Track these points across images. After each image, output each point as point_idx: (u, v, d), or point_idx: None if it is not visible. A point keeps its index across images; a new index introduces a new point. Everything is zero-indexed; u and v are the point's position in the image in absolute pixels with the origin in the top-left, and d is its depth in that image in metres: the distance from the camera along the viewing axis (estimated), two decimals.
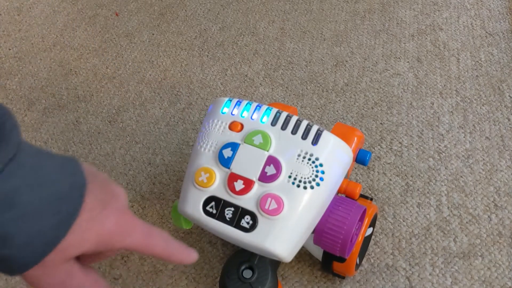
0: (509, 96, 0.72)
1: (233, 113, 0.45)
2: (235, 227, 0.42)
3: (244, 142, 0.44)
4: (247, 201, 0.42)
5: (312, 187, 0.41)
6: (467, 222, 0.59)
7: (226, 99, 0.47)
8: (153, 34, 0.88)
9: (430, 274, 0.54)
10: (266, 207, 0.41)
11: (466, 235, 0.57)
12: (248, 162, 0.43)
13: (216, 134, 0.45)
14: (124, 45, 0.86)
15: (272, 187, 0.42)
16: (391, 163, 0.65)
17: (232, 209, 0.42)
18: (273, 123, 0.44)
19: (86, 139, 0.71)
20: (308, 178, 0.42)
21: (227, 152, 0.44)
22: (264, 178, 0.42)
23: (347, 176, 0.49)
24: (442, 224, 0.58)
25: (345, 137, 0.46)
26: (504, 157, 0.65)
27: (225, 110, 0.46)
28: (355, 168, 0.64)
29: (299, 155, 0.42)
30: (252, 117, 0.45)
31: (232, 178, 0.42)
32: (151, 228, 0.33)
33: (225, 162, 0.43)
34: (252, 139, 0.44)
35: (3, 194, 0.26)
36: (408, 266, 0.55)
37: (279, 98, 0.75)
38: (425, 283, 0.54)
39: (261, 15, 0.90)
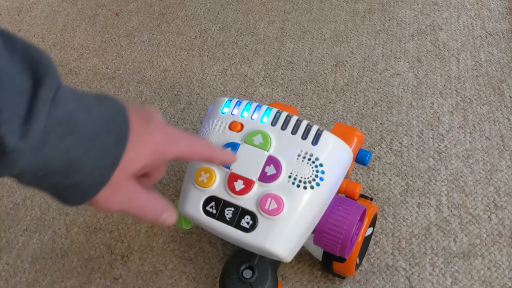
0: (509, 96, 0.72)
1: (233, 113, 0.45)
2: (235, 227, 0.42)
3: (244, 142, 0.44)
4: (247, 201, 0.42)
5: (312, 187, 0.41)
6: (467, 222, 0.59)
7: (226, 99, 0.47)
8: (153, 34, 0.88)
9: (430, 274, 0.54)
10: (266, 207, 0.41)
11: (466, 235, 0.57)
12: (248, 162, 0.43)
13: (216, 134, 0.45)
14: (124, 45, 0.86)
15: (272, 187, 0.42)
16: (391, 163, 0.65)
17: (232, 209, 0.42)
18: (273, 123, 0.44)
19: None
20: (308, 178, 0.42)
21: None
22: (264, 178, 0.42)
23: (347, 176, 0.49)
24: (442, 224, 0.58)
25: (345, 137, 0.46)
26: (504, 157, 0.65)
27: (225, 110, 0.46)
28: (355, 168, 0.64)
29: (299, 155, 0.42)
30: (252, 117, 0.45)
31: (232, 178, 0.42)
32: (192, 135, 0.37)
33: None
34: (252, 139, 0.44)
35: (61, 120, 0.26)
36: (408, 266, 0.55)
37: (279, 98, 0.75)
38: (425, 283, 0.54)
39: (261, 15, 0.90)
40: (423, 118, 0.70)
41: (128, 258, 0.58)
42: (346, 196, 0.47)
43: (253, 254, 0.47)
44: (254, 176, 0.42)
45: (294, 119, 0.44)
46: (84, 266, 0.58)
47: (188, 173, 0.45)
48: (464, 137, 0.67)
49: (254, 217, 0.41)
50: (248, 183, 0.42)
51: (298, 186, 0.41)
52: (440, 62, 0.78)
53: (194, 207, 0.43)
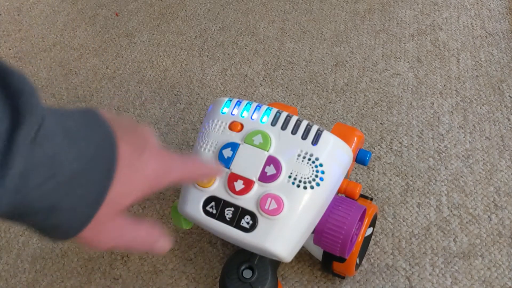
0: (509, 96, 0.72)
1: (233, 113, 0.45)
2: (235, 227, 0.42)
3: (244, 142, 0.44)
4: (247, 201, 0.42)
5: (312, 187, 0.41)
6: (467, 222, 0.58)
7: (226, 99, 0.47)
8: (153, 34, 0.88)
9: (430, 274, 0.54)
10: (266, 207, 0.41)
11: (466, 235, 0.57)
12: (248, 162, 0.43)
13: (216, 134, 0.45)
14: (124, 45, 0.86)
15: (272, 187, 0.42)
16: (391, 163, 0.65)
17: (232, 209, 0.42)
18: (273, 123, 0.44)
19: None
20: (308, 178, 0.42)
21: (227, 152, 0.44)
22: (264, 178, 0.42)
23: (347, 176, 0.49)
24: (442, 224, 0.58)
25: (345, 137, 0.46)
26: (504, 157, 0.65)
27: (225, 110, 0.46)
28: (355, 168, 0.64)
29: (299, 155, 0.42)
30: (252, 117, 0.45)
31: (232, 178, 0.42)
32: (184, 157, 0.35)
33: (225, 162, 0.43)
34: (252, 139, 0.44)
35: (42, 162, 0.25)
36: (408, 266, 0.55)
37: (279, 98, 0.75)
38: (425, 283, 0.54)
39: (261, 15, 0.90)
40: (423, 118, 0.70)
41: (128, 258, 0.58)
42: (346, 196, 0.47)
43: (253, 254, 0.47)
44: (254, 176, 0.42)
45: (294, 119, 0.44)
46: (84, 266, 0.58)
47: None
48: (464, 137, 0.67)
49: (254, 217, 0.41)
50: (248, 183, 0.42)
51: (298, 186, 0.41)
52: (440, 62, 0.78)
53: (194, 207, 0.43)
